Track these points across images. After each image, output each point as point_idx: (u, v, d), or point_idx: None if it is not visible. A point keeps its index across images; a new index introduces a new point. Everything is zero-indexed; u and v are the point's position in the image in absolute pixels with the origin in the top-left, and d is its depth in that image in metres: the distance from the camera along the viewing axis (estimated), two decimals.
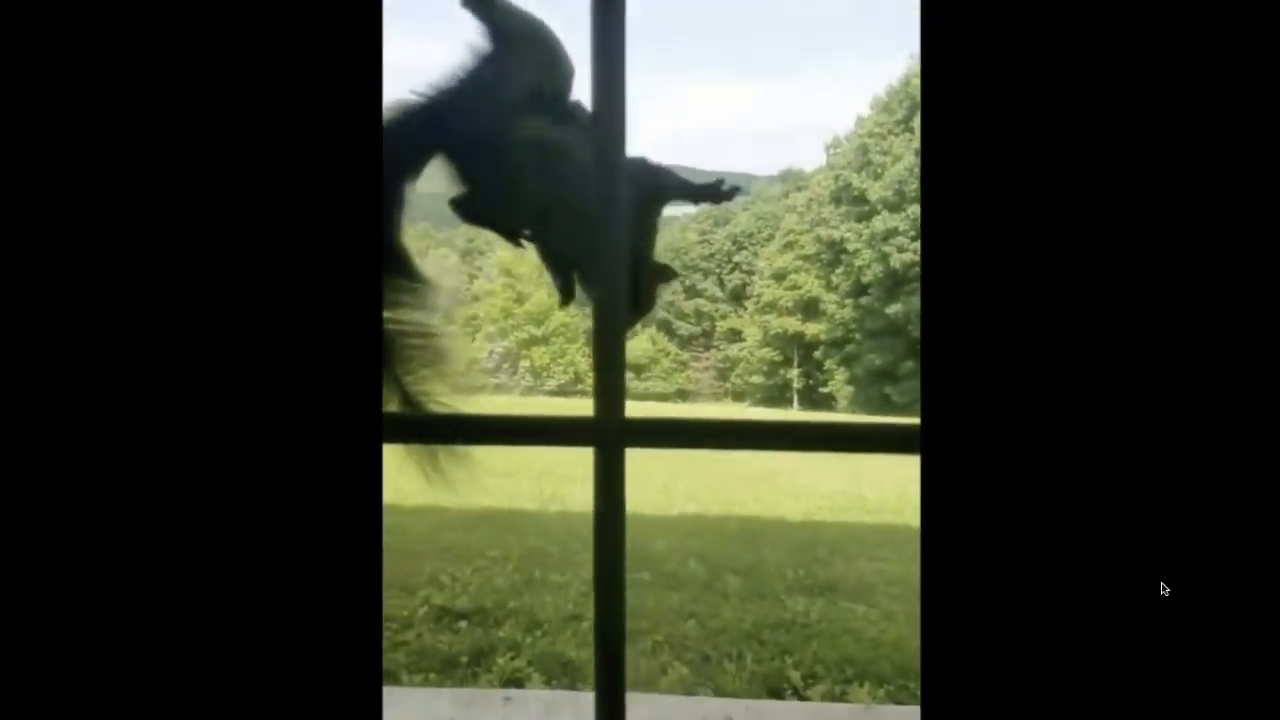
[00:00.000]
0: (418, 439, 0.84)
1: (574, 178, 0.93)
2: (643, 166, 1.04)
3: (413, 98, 0.94)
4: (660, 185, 1.05)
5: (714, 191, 1.08)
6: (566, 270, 0.99)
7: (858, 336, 22.50)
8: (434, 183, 0.97)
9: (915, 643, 3.35)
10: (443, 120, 0.94)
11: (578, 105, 0.98)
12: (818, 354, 23.93)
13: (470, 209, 0.97)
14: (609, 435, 0.76)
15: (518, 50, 0.95)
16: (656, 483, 6.10)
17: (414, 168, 0.94)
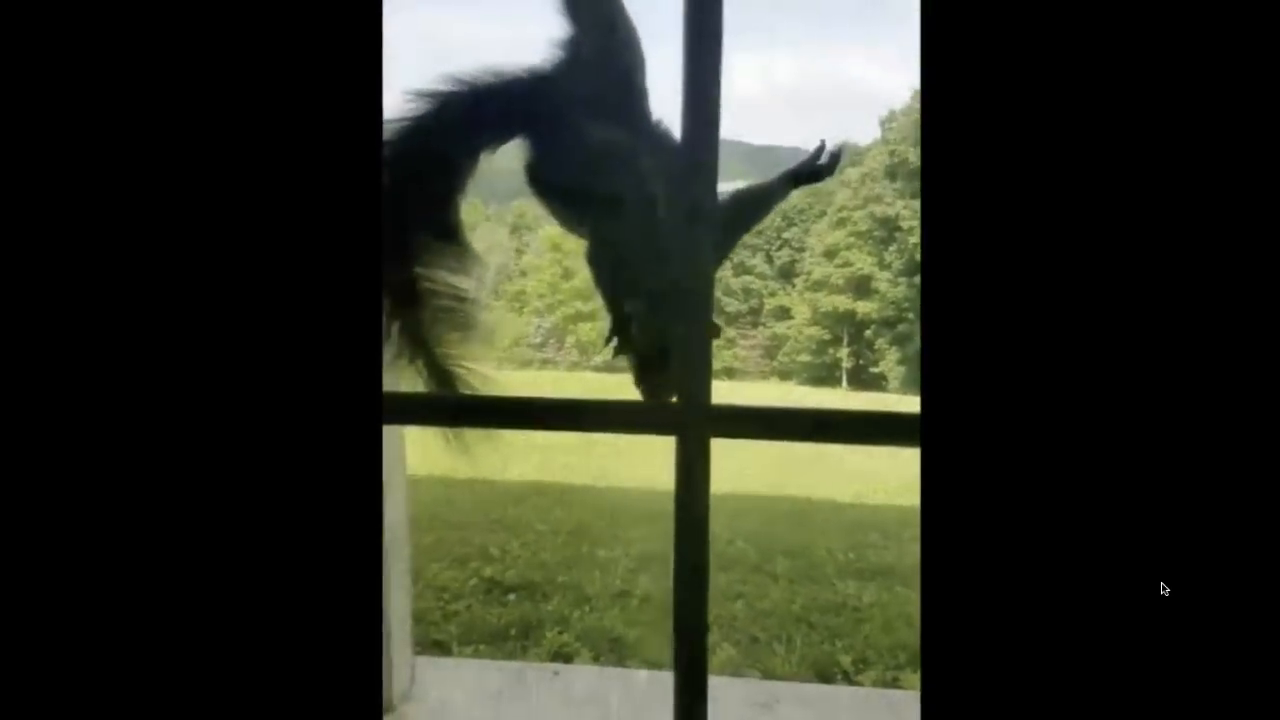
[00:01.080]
0: (498, 423, 0.83)
1: (637, 184, 0.90)
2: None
3: (509, 71, 0.93)
4: (737, 212, 0.99)
5: (813, 170, 1.00)
6: (612, 273, 0.96)
7: (910, 316, 22.05)
8: (494, 159, 0.97)
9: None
10: (531, 99, 0.92)
11: (659, 123, 0.96)
12: (868, 333, 23.54)
13: (541, 181, 0.95)
14: (694, 424, 0.73)
15: (608, 41, 0.92)
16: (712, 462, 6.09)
17: (496, 141, 0.93)
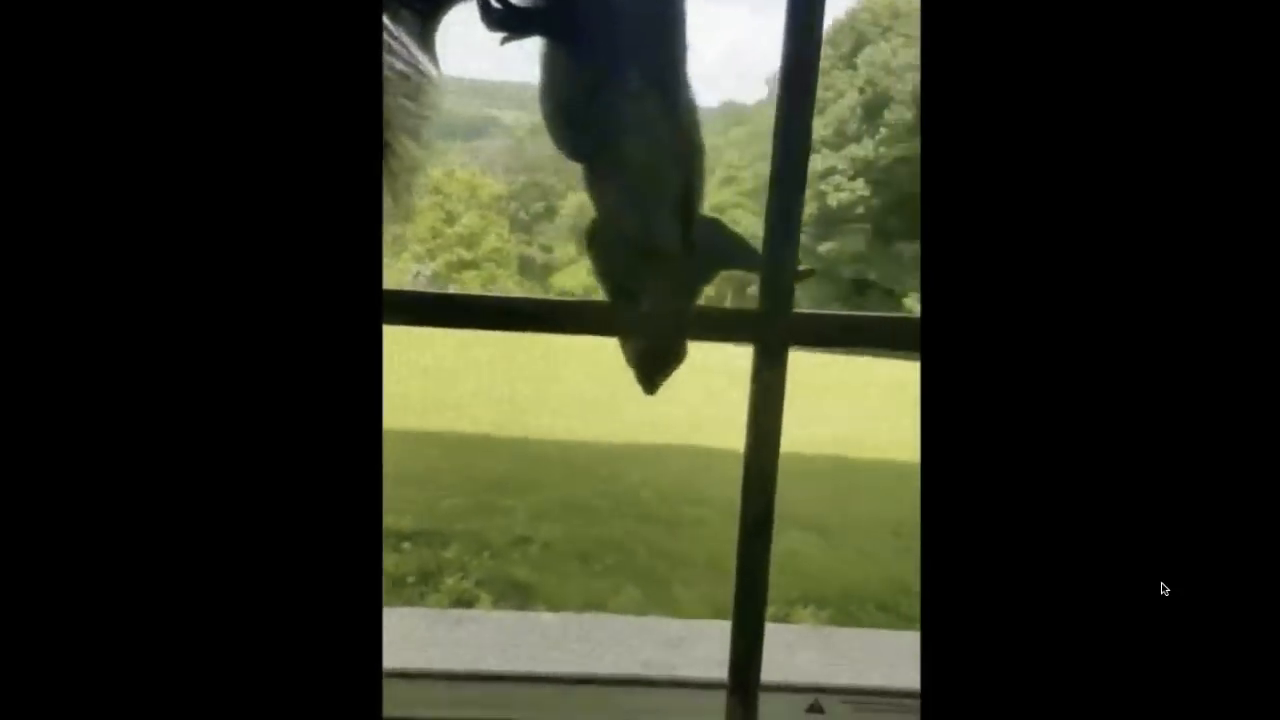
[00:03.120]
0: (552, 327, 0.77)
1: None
2: (712, 228, 0.95)
3: None
4: (725, 254, 0.95)
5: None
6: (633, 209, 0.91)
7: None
8: None
9: (858, 569, 3.49)
10: None
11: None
12: (751, 290, 24.10)
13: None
14: (775, 330, 0.71)
15: None
16: (617, 414, 6.10)
17: None
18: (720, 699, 0.83)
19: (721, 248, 0.94)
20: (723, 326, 0.84)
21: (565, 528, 3.68)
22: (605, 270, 0.94)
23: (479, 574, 3.19)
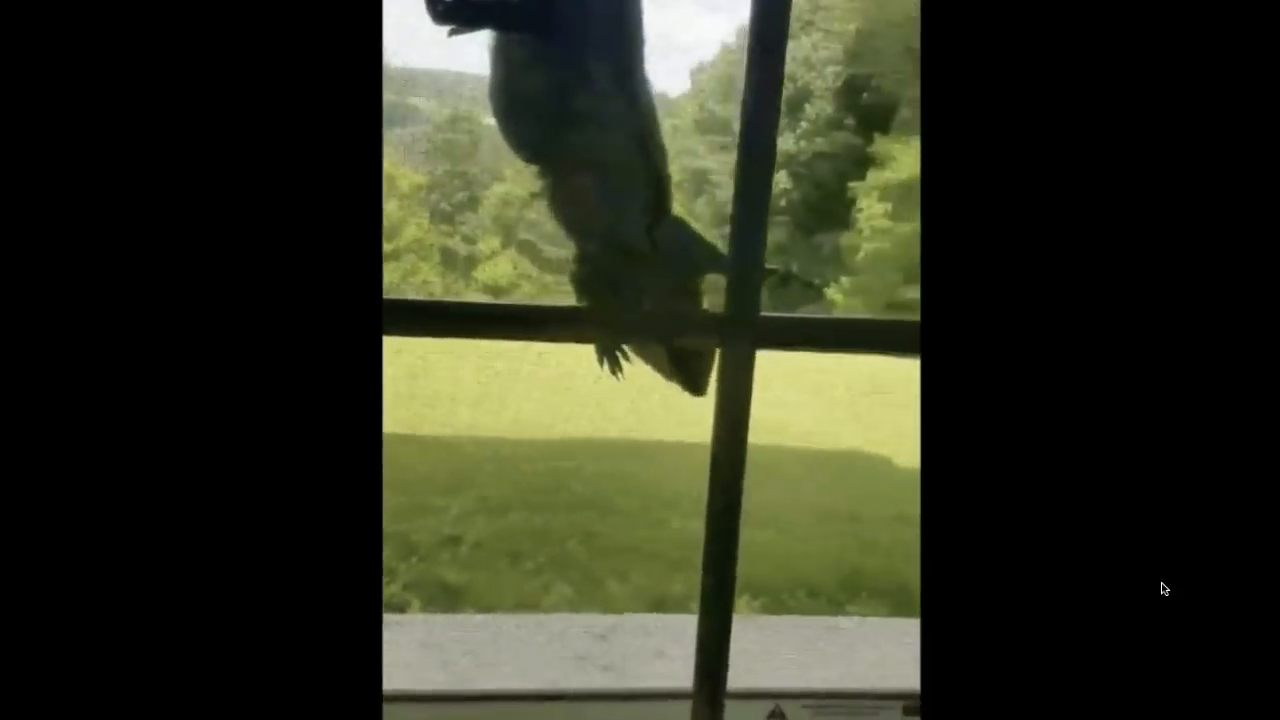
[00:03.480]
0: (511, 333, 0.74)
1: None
2: (679, 228, 0.93)
3: None
4: (693, 255, 0.92)
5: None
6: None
7: None
8: None
9: (794, 557, 3.54)
10: None
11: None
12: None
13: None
14: (742, 333, 0.68)
15: None
16: (544, 409, 6.04)
17: None
18: (681, 709, 0.80)
19: (689, 248, 0.92)
20: (688, 329, 0.82)
21: (495, 526, 3.61)
22: (598, 287, 0.90)
23: (407, 578, 3.10)
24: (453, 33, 0.85)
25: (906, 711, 0.87)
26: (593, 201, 0.89)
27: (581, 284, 0.92)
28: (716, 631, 0.75)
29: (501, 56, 0.88)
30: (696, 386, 0.92)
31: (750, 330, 0.71)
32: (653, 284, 0.91)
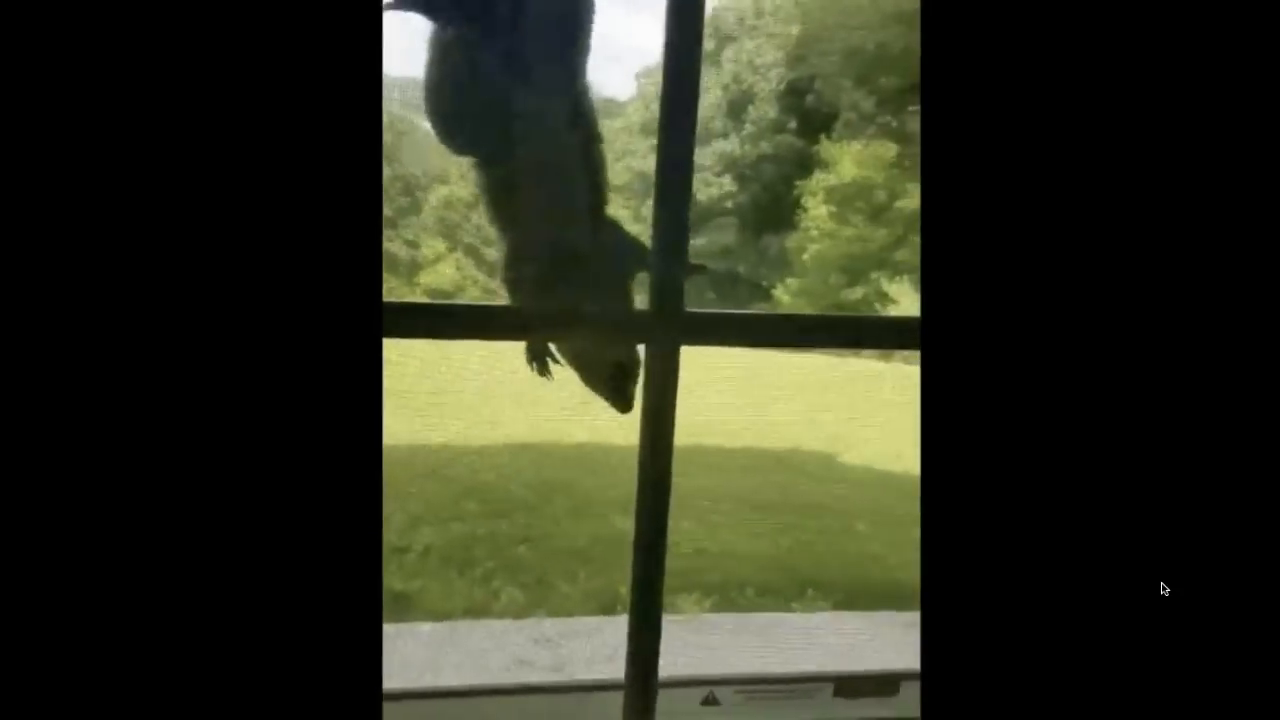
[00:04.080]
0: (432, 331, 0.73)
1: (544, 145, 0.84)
2: (616, 230, 0.93)
3: None
4: (630, 255, 0.93)
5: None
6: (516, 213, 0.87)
7: None
8: None
9: (741, 554, 3.58)
10: None
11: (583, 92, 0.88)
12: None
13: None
14: (667, 332, 0.69)
15: None
16: (481, 415, 5.96)
17: None
18: (616, 699, 0.81)
19: (624, 249, 0.93)
20: (615, 327, 0.83)
21: (440, 534, 3.57)
22: (532, 288, 0.91)
23: None
24: (389, 7, 0.84)
25: (838, 693, 0.90)
26: (533, 203, 0.88)
27: (514, 285, 0.92)
28: (646, 619, 0.77)
29: (441, 55, 0.87)
30: (625, 402, 0.93)
31: (676, 325, 0.73)
32: (587, 284, 0.91)
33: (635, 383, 0.93)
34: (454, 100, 0.88)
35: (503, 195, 0.91)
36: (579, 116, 0.89)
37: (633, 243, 0.94)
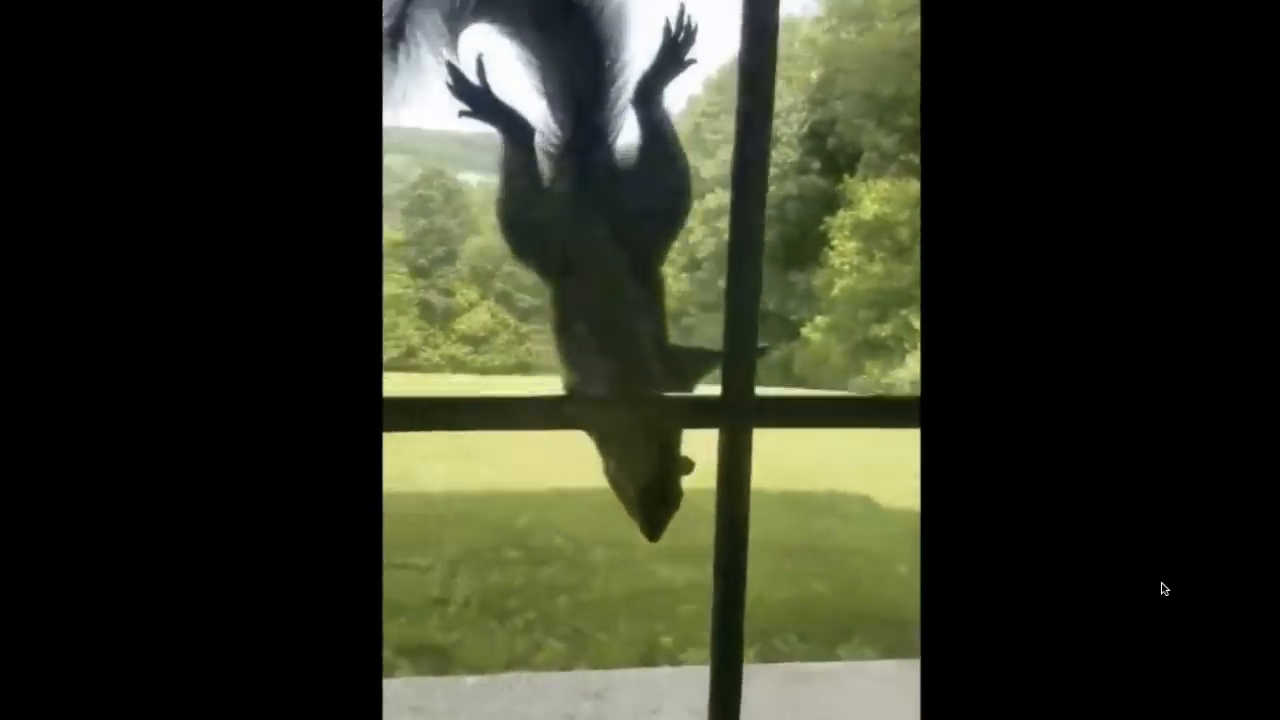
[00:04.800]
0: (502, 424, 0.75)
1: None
2: (674, 354, 0.93)
3: None
4: (694, 370, 0.93)
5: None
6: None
7: (692, 309, 23.23)
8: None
9: (779, 600, 3.54)
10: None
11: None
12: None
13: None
14: (739, 414, 0.71)
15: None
16: (515, 460, 5.98)
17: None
18: None
19: (694, 363, 0.93)
20: (685, 412, 0.84)
21: (480, 584, 3.58)
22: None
23: (396, 640, 3.05)
24: (462, 114, 0.87)
25: None
26: (593, 333, 0.89)
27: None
28: (731, 676, 0.77)
29: (506, 179, 0.89)
30: (653, 532, 0.93)
31: (748, 408, 0.73)
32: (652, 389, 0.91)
33: (670, 511, 0.93)
34: (511, 223, 0.90)
35: (564, 317, 0.90)
36: (648, 267, 0.90)
37: (699, 354, 0.94)
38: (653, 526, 0.93)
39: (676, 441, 0.94)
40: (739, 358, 0.74)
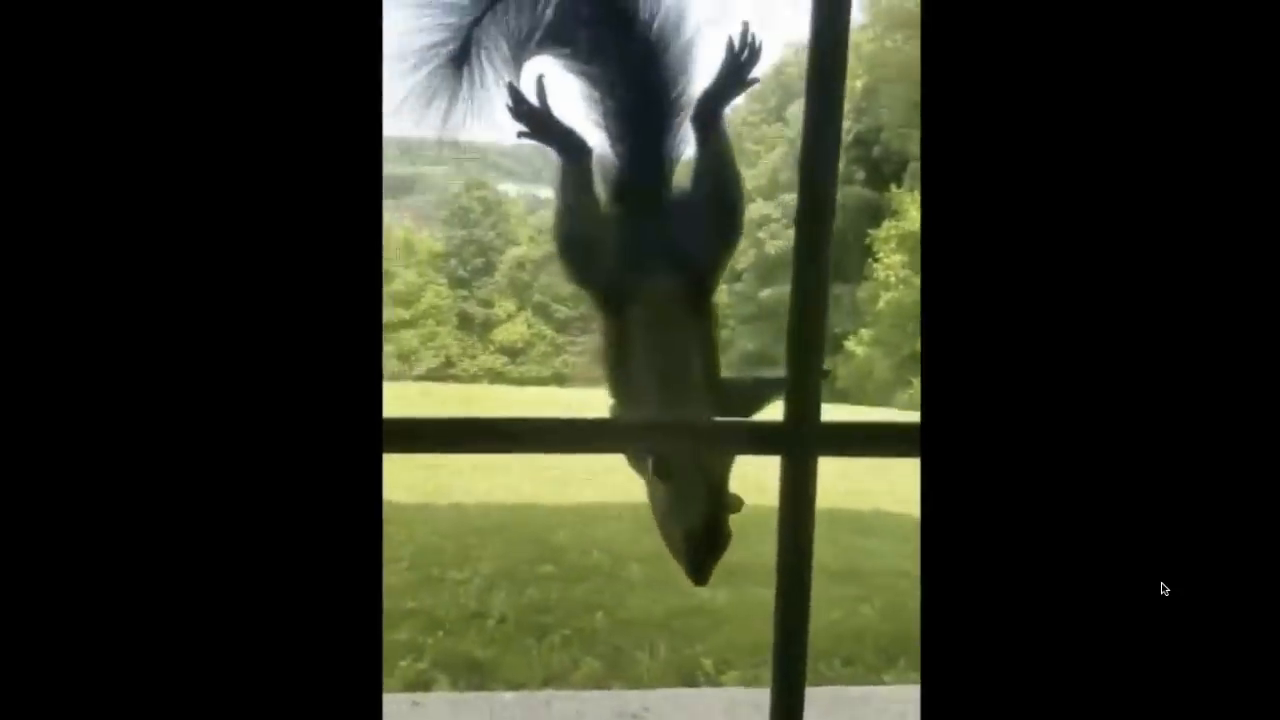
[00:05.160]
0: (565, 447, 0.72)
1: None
2: (729, 386, 0.93)
3: None
4: (754, 401, 0.93)
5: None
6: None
7: (732, 322, 23.17)
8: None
9: (824, 624, 3.46)
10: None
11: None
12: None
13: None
14: (803, 442, 0.69)
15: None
16: (553, 475, 5.98)
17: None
18: None
19: (751, 396, 0.91)
20: (745, 441, 0.81)
21: (517, 599, 3.56)
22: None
23: (434, 654, 3.05)
24: (521, 134, 0.87)
25: None
26: (645, 367, 0.88)
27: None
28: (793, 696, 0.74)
29: (562, 199, 0.89)
30: (699, 577, 0.91)
31: (811, 436, 0.71)
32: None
33: (718, 556, 0.89)
34: (573, 230, 0.89)
35: (618, 353, 0.90)
36: (702, 296, 0.89)
37: (760, 384, 0.93)
38: (699, 572, 0.89)
39: (726, 480, 0.91)
40: (803, 383, 0.70)
